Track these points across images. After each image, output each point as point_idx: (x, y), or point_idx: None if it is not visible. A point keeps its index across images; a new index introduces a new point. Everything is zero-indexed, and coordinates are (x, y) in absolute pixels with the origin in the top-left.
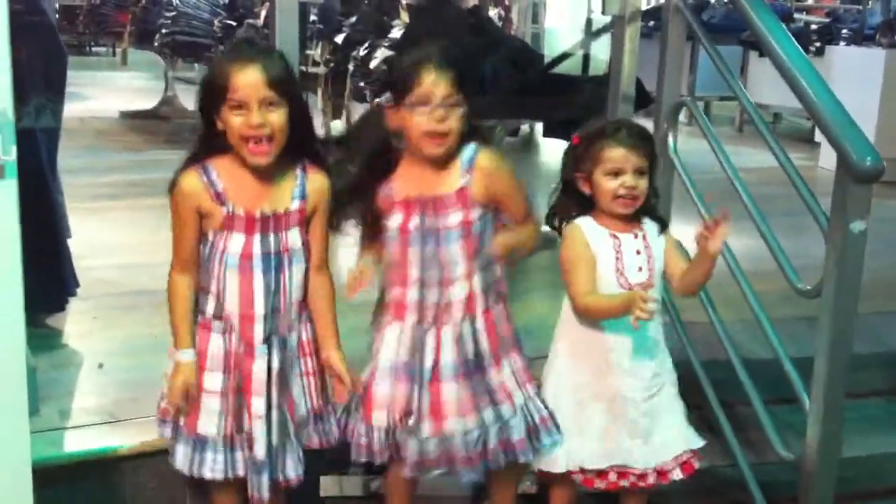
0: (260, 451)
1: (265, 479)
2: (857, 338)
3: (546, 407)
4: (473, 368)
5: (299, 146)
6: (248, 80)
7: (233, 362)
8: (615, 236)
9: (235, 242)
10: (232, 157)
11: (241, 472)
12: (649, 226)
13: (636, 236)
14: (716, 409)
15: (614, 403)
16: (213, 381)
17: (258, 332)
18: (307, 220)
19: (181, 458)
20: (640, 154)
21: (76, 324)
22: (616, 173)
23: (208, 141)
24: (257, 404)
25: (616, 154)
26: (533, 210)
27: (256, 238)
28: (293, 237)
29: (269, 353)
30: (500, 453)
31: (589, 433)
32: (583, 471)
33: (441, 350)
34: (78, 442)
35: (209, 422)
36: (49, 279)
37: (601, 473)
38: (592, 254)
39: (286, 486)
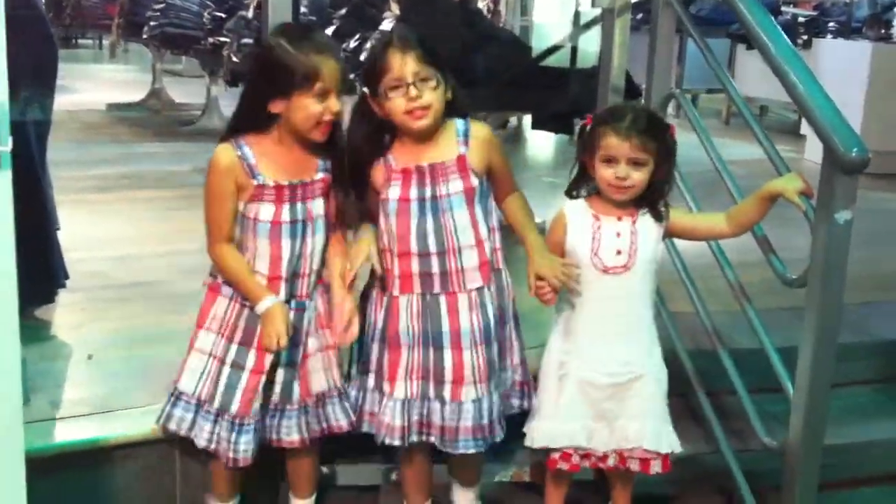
0: (258, 407)
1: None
2: (842, 328)
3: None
4: (490, 335)
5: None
6: (333, 68)
7: (229, 330)
8: (596, 217)
9: (266, 211)
10: (263, 134)
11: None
12: (646, 214)
13: (620, 219)
14: (701, 397)
15: (583, 385)
16: (206, 340)
17: (282, 293)
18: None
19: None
20: (637, 145)
21: (65, 315)
22: (609, 161)
23: (249, 120)
24: (267, 360)
25: (611, 142)
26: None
27: (285, 207)
28: (317, 206)
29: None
30: (492, 432)
31: (559, 413)
32: (549, 451)
33: (459, 317)
34: (68, 432)
35: (189, 379)
36: (38, 271)
37: (564, 455)
38: (564, 239)
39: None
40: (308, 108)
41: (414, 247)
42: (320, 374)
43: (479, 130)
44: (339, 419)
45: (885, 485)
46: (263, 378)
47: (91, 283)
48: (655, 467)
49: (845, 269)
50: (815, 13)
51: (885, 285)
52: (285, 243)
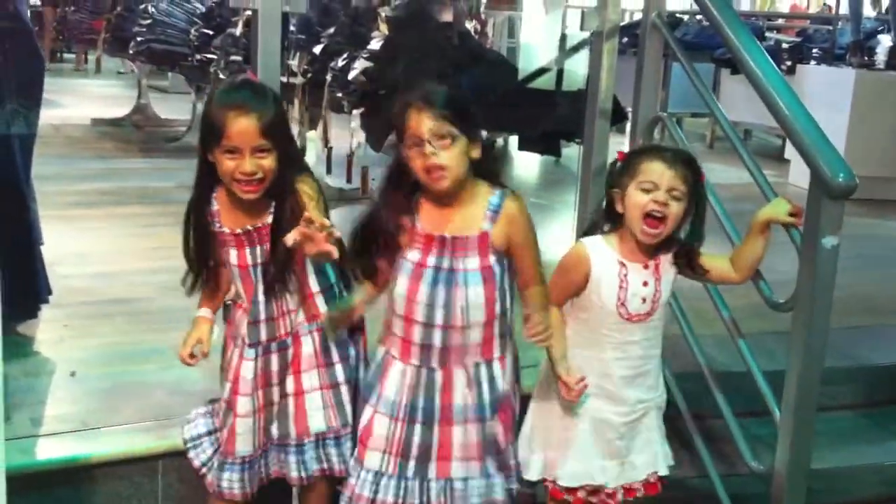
0: (244, 447)
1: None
2: (828, 352)
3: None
4: (486, 414)
5: (282, 182)
6: (243, 128)
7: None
8: (623, 264)
9: (233, 256)
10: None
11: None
12: (666, 257)
13: (646, 266)
14: (688, 420)
15: (598, 424)
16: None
17: (263, 334)
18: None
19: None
20: (678, 176)
21: (48, 331)
22: (649, 189)
23: (201, 170)
24: (242, 403)
25: (654, 167)
26: (542, 270)
27: (247, 250)
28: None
29: (269, 356)
30: None
31: (569, 450)
32: (554, 482)
33: (453, 392)
34: (49, 450)
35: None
36: (21, 286)
37: (570, 489)
38: (583, 283)
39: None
40: (223, 164)
41: (420, 315)
42: (319, 413)
43: (512, 207)
44: (334, 464)
45: None
46: (249, 420)
47: (74, 299)
48: (659, 486)
49: (832, 294)
50: (798, 39)
51: (871, 310)
52: (257, 287)
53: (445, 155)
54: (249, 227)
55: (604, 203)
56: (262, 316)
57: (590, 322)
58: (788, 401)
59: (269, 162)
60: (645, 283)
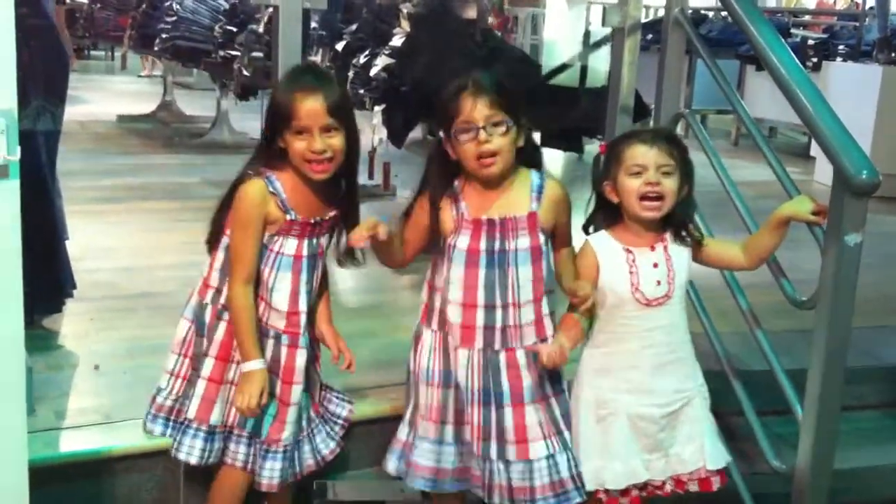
0: (288, 435)
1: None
2: (851, 351)
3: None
4: (549, 392)
5: (347, 167)
6: (311, 108)
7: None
8: (629, 251)
9: (290, 245)
10: (290, 171)
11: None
12: (670, 236)
13: (654, 248)
14: None
15: (635, 420)
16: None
17: (303, 326)
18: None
19: (198, 451)
20: (663, 152)
21: (72, 325)
22: (638, 172)
23: (269, 154)
24: (295, 392)
25: (637, 151)
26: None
27: (305, 242)
28: (324, 242)
29: (310, 347)
30: (573, 486)
31: (611, 453)
32: (606, 491)
33: (520, 373)
34: (73, 442)
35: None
36: (46, 280)
37: (623, 491)
38: (597, 272)
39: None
40: (293, 146)
41: (481, 299)
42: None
43: (553, 189)
44: (323, 451)
45: None
46: (297, 408)
47: (99, 294)
48: (716, 484)
49: (854, 292)
50: (824, 36)
51: (895, 309)
52: (303, 277)
53: (499, 141)
54: (320, 219)
55: (593, 203)
56: (306, 307)
57: (610, 316)
58: (811, 399)
59: (337, 141)
60: (655, 265)
